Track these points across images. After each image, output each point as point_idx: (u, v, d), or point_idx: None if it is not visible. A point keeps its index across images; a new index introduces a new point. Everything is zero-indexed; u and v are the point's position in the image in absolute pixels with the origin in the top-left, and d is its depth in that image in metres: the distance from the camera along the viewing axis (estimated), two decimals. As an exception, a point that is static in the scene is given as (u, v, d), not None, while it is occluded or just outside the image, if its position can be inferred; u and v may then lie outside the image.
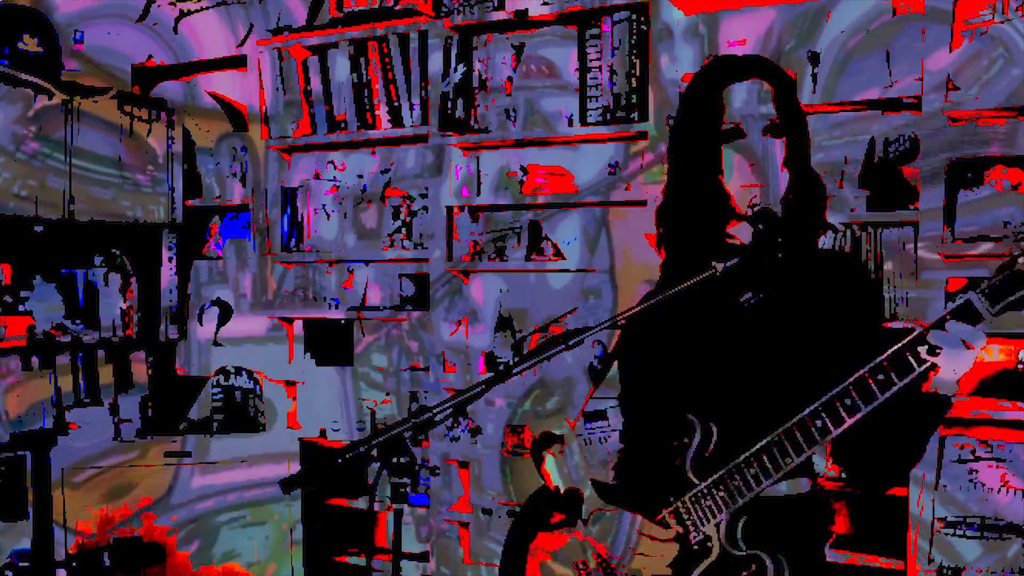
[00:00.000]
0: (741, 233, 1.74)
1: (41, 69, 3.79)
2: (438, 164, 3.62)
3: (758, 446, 1.61)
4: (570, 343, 1.55)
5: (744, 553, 1.64)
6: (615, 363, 2.00)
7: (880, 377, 1.52)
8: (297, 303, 4.09)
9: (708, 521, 1.66)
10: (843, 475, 1.69)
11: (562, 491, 1.82)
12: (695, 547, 1.67)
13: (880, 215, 2.94)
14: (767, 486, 1.62)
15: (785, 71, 1.74)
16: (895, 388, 1.51)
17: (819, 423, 1.56)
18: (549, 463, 1.86)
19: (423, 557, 3.71)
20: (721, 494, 1.65)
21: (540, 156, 3.57)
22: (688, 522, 1.69)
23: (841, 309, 1.73)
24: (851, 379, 1.53)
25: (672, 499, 1.71)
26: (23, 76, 3.68)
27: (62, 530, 3.54)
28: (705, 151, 1.70)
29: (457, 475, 3.63)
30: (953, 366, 1.50)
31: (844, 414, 1.54)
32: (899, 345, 1.52)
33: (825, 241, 2.98)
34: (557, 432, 1.87)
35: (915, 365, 1.51)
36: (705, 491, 1.67)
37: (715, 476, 1.66)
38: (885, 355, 1.52)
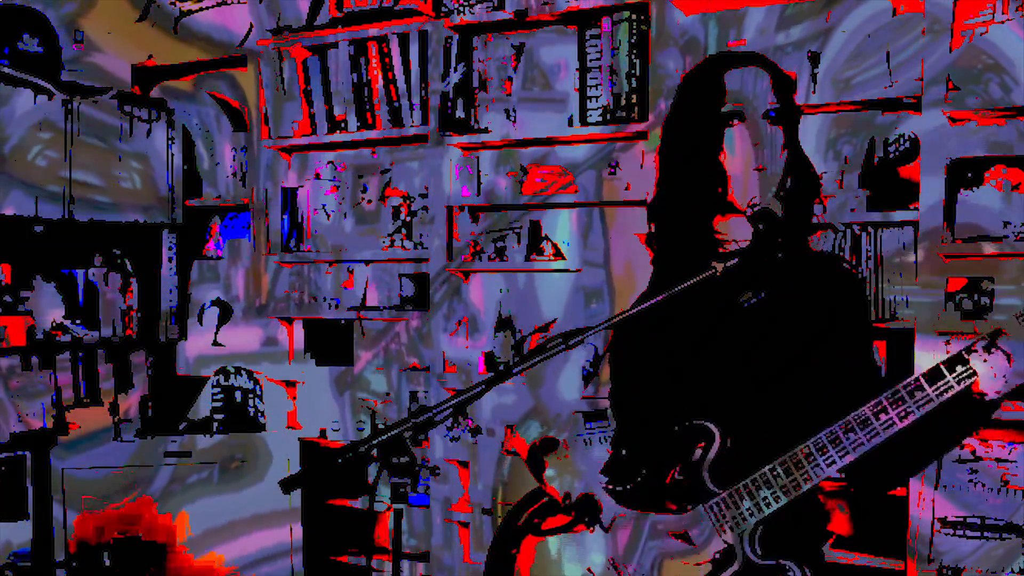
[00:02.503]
0: (729, 228, 1.75)
1: (41, 69, 3.79)
2: (438, 164, 3.62)
3: (787, 455, 1.61)
4: (570, 343, 1.55)
5: (771, 563, 1.64)
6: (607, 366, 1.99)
7: (919, 394, 1.54)
8: (292, 307, 4.07)
9: (732, 530, 1.65)
10: (842, 476, 1.69)
11: (573, 498, 1.79)
12: (717, 555, 1.67)
13: (880, 215, 2.94)
14: (796, 497, 1.61)
15: (780, 67, 1.77)
16: (932, 406, 1.54)
17: (852, 436, 1.57)
18: (551, 470, 1.84)
19: (423, 557, 3.71)
20: (747, 504, 1.64)
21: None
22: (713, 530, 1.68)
23: (832, 310, 1.74)
24: (886, 393, 1.55)
25: (690, 508, 1.70)
26: (23, 76, 3.68)
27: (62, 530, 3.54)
28: (704, 132, 1.72)
29: (457, 475, 3.63)
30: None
31: (880, 428, 1.55)
32: (938, 363, 1.54)
33: (825, 241, 2.99)
34: (557, 436, 1.86)
35: (953, 382, 1.53)
36: (728, 500, 1.66)
37: (739, 485, 1.65)
38: (925, 371, 1.55)
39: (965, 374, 1.53)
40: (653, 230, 1.86)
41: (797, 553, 1.66)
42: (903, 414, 1.54)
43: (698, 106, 1.74)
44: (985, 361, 1.52)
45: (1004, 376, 1.52)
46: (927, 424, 1.57)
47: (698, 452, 1.69)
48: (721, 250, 1.78)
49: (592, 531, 1.76)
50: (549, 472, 1.82)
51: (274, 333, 4.11)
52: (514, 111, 3.51)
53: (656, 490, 1.73)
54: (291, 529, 3.66)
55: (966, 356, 1.53)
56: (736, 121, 1.70)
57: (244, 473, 3.73)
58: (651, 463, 1.76)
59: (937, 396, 1.53)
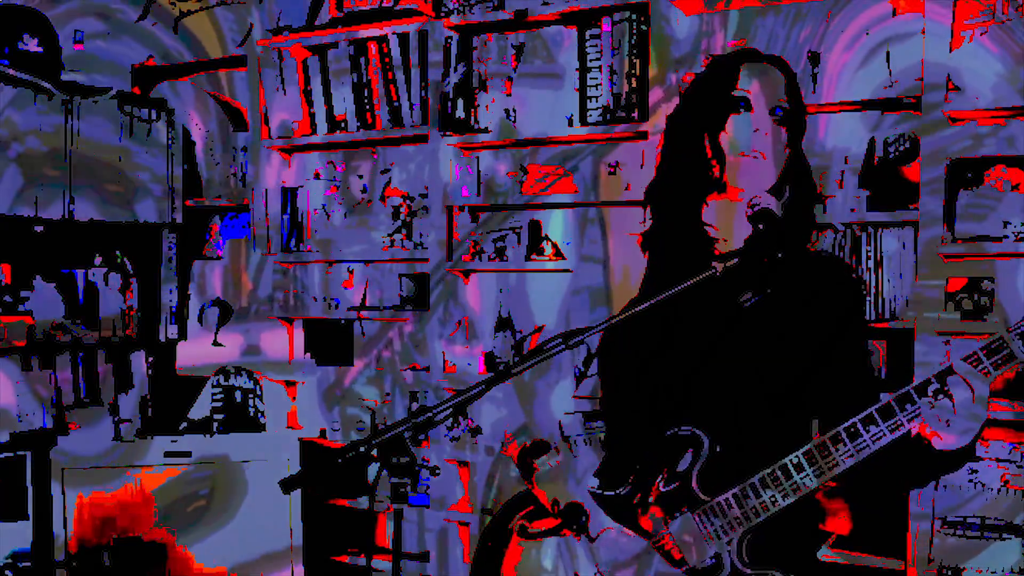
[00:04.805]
0: (731, 228, 1.76)
1: (41, 69, 3.79)
2: (435, 154, 3.62)
3: (775, 466, 1.61)
4: (570, 343, 1.55)
5: (758, 572, 1.64)
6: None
7: (909, 407, 1.53)
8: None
9: (719, 539, 1.65)
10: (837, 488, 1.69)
11: (561, 505, 1.79)
12: (706, 564, 1.66)
13: (880, 215, 2.94)
14: (784, 507, 1.61)
15: (796, 75, 1.81)
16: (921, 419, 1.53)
17: (841, 448, 1.56)
18: (541, 475, 1.84)
19: (423, 557, 3.71)
20: (735, 513, 1.63)
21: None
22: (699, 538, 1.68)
23: (831, 312, 1.74)
24: (879, 404, 1.54)
25: (677, 514, 1.70)
26: (23, 76, 3.68)
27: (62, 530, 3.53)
28: (711, 112, 1.74)
29: (457, 475, 3.63)
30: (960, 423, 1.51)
31: (868, 440, 1.55)
32: (933, 375, 1.53)
33: (825, 242, 2.99)
34: (547, 441, 1.86)
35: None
36: (716, 509, 1.65)
37: (728, 495, 1.64)
38: (915, 384, 1.54)
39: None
40: (649, 214, 1.87)
41: (787, 561, 1.66)
42: (893, 427, 1.54)
43: (711, 89, 1.77)
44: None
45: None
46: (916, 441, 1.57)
47: (687, 459, 1.69)
48: (716, 251, 1.78)
49: (579, 538, 1.76)
50: (540, 477, 1.82)
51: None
52: (514, 111, 3.51)
53: (643, 497, 1.73)
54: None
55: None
56: (743, 109, 1.72)
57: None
58: (639, 469, 1.76)
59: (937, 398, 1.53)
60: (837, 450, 1.56)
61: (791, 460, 1.60)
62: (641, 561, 1.70)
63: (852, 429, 1.56)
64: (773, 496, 1.60)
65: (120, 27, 4.25)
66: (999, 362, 1.50)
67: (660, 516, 1.70)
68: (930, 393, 1.51)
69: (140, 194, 4.03)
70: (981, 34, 2.75)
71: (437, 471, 3.62)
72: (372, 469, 3.73)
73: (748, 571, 1.63)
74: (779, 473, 1.60)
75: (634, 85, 3.26)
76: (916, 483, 1.76)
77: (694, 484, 1.68)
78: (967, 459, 1.57)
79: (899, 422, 1.54)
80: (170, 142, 4.18)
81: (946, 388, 1.50)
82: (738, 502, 1.63)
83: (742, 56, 1.78)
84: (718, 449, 1.67)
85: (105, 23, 4.21)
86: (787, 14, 3.07)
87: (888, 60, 2.94)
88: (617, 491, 1.76)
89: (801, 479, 1.59)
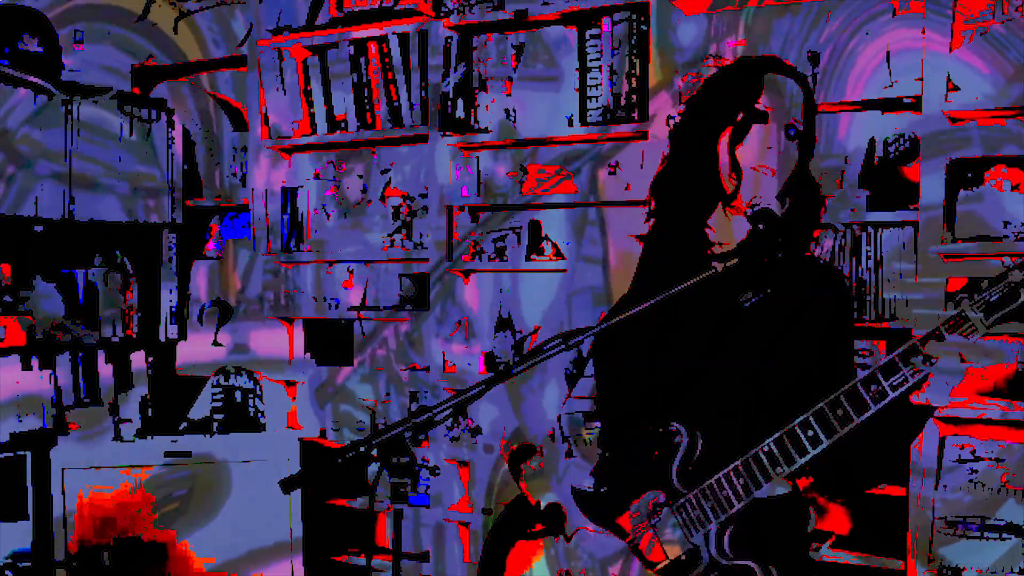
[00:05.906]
0: (731, 229, 1.76)
1: (41, 69, 3.79)
2: (434, 157, 3.62)
3: (747, 456, 1.61)
4: (570, 343, 1.56)
5: (735, 564, 1.64)
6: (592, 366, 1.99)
7: (873, 388, 1.52)
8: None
9: (697, 531, 1.66)
10: (812, 480, 1.69)
11: (543, 506, 1.80)
12: (683, 557, 1.67)
13: (880, 215, 2.94)
14: (755, 496, 1.61)
15: (812, 93, 1.81)
16: (888, 398, 1.52)
17: (810, 433, 1.56)
18: (528, 476, 1.85)
19: (423, 557, 3.71)
20: (710, 504, 1.64)
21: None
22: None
23: (821, 321, 1.75)
24: (844, 388, 1.54)
25: (658, 509, 1.70)
26: (23, 76, 3.68)
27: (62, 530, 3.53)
28: (732, 125, 1.73)
29: (457, 474, 3.63)
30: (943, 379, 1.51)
31: (836, 424, 1.54)
32: (892, 355, 1.53)
33: (824, 242, 2.99)
34: (534, 444, 1.88)
35: (908, 376, 1.51)
36: (693, 501, 1.66)
37: (703, 486, 1.65)
38: (880, 364, 1.53)
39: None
40: (651, 207, 1.87)
41: (770, 554, 1.66)
42: (877, 396, 1.53)
43: (731, 96, 1.75)
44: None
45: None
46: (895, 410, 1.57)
47: (668, 454, 1.70)
48: (711, 251, 1.78)
49: (558, 539, 1.77)
50: (528, 479, 1.84)
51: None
52: (514, 111, 3.51)
53: (635, 491, 1.73)
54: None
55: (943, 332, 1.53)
56: (760, 121, 1.71)
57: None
58: (622, 467, 1.77)
59: (912, 375, 1.53)
60: (806, 435, 1.57)
61: (763, 447, 1.60)
62: (621, 562, 1.71)
63: (835, 401, 1.55)
64: (745, 483, 1.61)
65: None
66: (963, 334, 1.50)
67: (639, 514, 1.70)
68: (913, 362, 1.51)
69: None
70: (981, 34, 2.75)
71: (437, 471, 3.62)
72: (372, 469, 3.73)
73: (725, 563, 1.64)
74: (751, 460, 1.61)
75: (634, 85, 3.26)
76: (889, 450, 1.72)
77: (673, 477, 1.68)
78: (931, 413, 1.59)
79: (883, 391, 1.53)
80: (169, 142, 4.18)
81: (925, 352, 1.50)
82: (712, 493, 1.64)
83: (767, 65, 1.77)
84: (700, 445, 1.68)
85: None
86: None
87: (888, 60, 2.94)
88: (600, 489, 1.77)
89: (773, 467, 1.59)
